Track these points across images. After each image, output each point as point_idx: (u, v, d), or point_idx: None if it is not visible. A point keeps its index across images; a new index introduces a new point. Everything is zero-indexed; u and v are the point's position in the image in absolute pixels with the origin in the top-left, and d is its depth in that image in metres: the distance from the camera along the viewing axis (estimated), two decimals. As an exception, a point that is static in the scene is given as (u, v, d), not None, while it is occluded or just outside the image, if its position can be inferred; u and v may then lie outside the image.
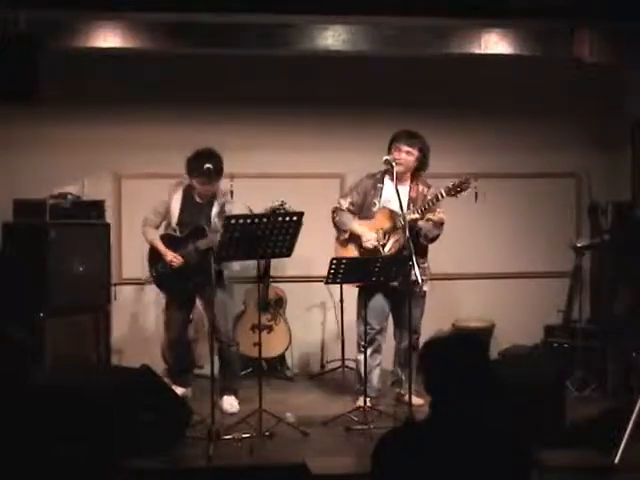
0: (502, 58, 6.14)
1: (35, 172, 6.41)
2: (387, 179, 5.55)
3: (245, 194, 6.23)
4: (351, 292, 5.77)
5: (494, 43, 6.00)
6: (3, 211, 6.11)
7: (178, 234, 5.61)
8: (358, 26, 5.90)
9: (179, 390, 5.65)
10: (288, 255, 5.09)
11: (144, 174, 6.62)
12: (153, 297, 6.44)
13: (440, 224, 5.38)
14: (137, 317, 6.68)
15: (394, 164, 5.31)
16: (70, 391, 4.46)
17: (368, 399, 5.37)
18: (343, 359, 6.62)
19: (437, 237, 5.46)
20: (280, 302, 6.59)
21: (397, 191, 5.21)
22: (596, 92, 6.89)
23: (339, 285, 6.02)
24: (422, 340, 5.38)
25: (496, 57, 6.12)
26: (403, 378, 5.63)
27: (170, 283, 5.66)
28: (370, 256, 5.36)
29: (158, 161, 6.56)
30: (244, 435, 4.89)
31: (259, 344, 5.24)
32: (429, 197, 5.43)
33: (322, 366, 6.85)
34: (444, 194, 5.26)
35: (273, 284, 6.58)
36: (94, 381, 4.82)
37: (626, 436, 4.39)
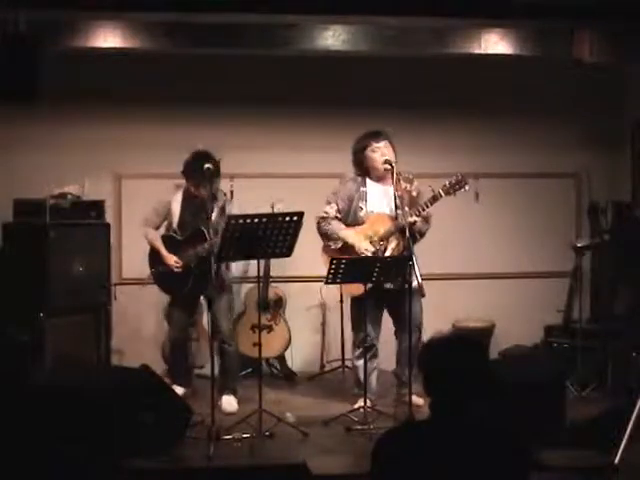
0: (502, 58, 6.14)
1: (35, 172, 6.41)
2: (369, 182, 5.52)
3: (245, 194, 6.23)
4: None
5: (494, 43, 6.00)
6: (3, 211, 6.11)
7: (179, 236, 5.61)
8: (358, 26, 5.90)
9: (179, 390, 5.65)
10: (288, 255, 5.09)
11: (144, 174, 6.62)
12: (153, 297, 6.43)
13: (428, 218, 5.38)
14: (137, 317, 6.68)
15: (393, 164, 5.30)
16: (70, 391, 4.46)
17: (368, 400, 5.36)
18: (343, 359, 6.63)
19: (426, 232, 5.45)
20: (280, 302, 6.59)
21: (396, 193, 5.21)
22: (596, 92, 6.89)
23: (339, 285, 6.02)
24: (424, 338, 5.39)
25: (496, 57, 6.12)
26: (403, 377, 5.61)
27: (171, 283, 5.66)
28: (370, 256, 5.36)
29: (158, 161, 6.56)
30: (244, 435, 4.89)
31: (259, 344, 5.25)
32: (414, 193, 5.41)
33: (322, 366, 6.85)
34: (442, 194, 5.25)
35: (273, 284, 6.58)
36: (94, 381, 4.81)
37: (626, 436, 4.39)
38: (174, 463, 4.50)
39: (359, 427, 5.11)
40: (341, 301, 6.45)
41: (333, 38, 5.89)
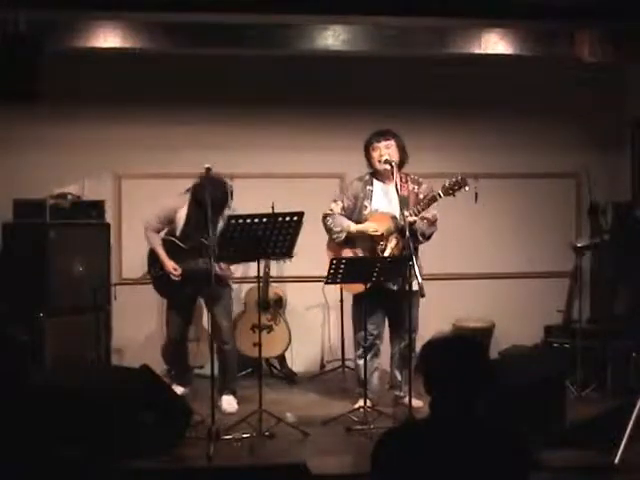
0: (502, 58, 6.14)
1: (35, 172, 6.41)
2: (376, 181, 5.52)
3: (245, 194, 6.22)
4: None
5: (494, 43, 6.00)
6: (3, 211, 6.11)
7: (182, 245, 5.57)
8: (358, 26, 5.91)
9: (179, 390, 5.65)
10: (288, 255, 5.09)
11: (144, 174, 6.63)
12: (153, 297, 6.43)
13: (434, 221, 5.37)
14: (137, 317, 6.67)
15: (393, 164, 5.30)
16: (70, 391, 4.46)
17: (368, 399, 5.36)
18: (343, 359, 6.63)
19: (432, 235, 5.45)
20: (280, 302, 6.59)
21: (397, 191, 5.22)
22: (596, 92, 6.89)
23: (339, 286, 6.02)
24: (422, 340, 5.38)
25: (496, 57, 6.12)
26: (399, 379, 5.60)
27: (168, 287, 5.64)
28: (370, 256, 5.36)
29: (158, 161, 6.57)
30: (244, 435, 4.88)
31: (259, 344, 5.24)
32: (421, 195, 5.41)
33: (322, 366, 6.85)
34: (442, 194, 5.25)
35: (273, 284, 6.58)
36: (94, 381, 4.81)
37: (626, 436, 4.39)
38: (174, 463, 4.50)
39: (359, 427, 5.10)
40: (341, 301, 6.45)
41: (333, 38, 5.90)
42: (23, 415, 2.92)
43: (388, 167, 5.34)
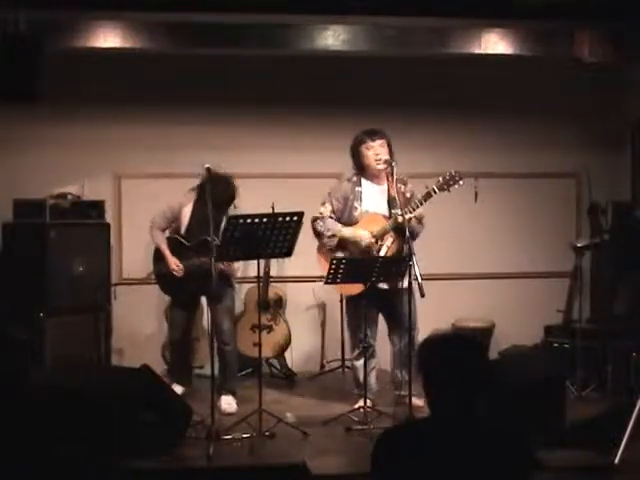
0: (502, 58, 6.14)
1: (35, 172, 6.41)
2: (364, 181, 5.50)
3: (245, 194, 6.22)
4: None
5: (494, 43, 6.01)
6: (3, 211, 6.11)
7: (186, 242, 5.57)
8: (358, 26, 5.91)
9: (179, 390, 5.65)
10: (288, 255, 5.08)
11: (144, 174, 6.63)
12: (153, 297, 6.44)
13: (421, 219, 5.36)
14: (137, 317, 6.67)
15: (393, 165, 5.30)
16: (70, 391, 4.46)
17: (368, 400, 5.36)
18: (343, 359, 6.63)
19: (419, 233, 5.43)
20: (280, 302, 6.59)
21: (397, 191, 5.21)
22: (596, 92, 6.89)
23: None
24: (421, 339, 5.37)
25: (496, 57, 6.12)
26: (400, 378, 5.60)
27: (172, 284, 5.66)
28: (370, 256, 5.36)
29: (158, 161, 6.57)
30: (244, 435, 4.88)
31: (259, 344, 5.25)
32: (408, 194, 5.39)
33: (322, 366, 6.85)
34: (436, 190, 5.23)
35: (273, 284, 6.58)
36: (94, 381, 4.81)
37: (626, 436, 4.39)
38: (174, 463, 4.50)
39: (359, 427, 5.10)
40: (341, 301, 6.44)
41: (333, 38, 5.90)
42: (23, 415, 2.93)
43: (387, 167, 5.33)
